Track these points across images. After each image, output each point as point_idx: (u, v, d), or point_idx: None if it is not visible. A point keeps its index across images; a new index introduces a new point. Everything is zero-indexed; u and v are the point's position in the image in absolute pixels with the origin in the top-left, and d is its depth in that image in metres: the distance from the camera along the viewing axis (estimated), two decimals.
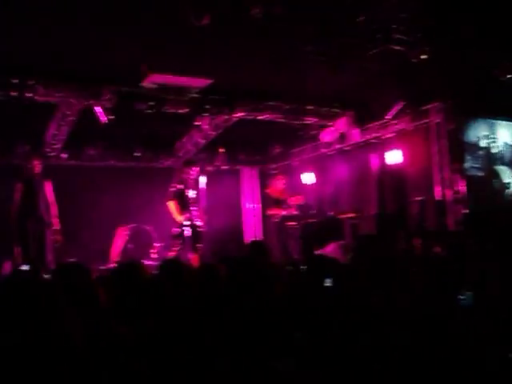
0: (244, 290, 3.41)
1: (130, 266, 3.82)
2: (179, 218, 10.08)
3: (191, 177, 10.25)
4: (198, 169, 10.41)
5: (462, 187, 10.28)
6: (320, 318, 3.64)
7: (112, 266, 10.56)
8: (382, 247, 6.71)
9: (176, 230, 10.08)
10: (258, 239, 9.17)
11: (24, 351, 1.49)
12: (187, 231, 9.98)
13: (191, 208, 10.17)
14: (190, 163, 10.64)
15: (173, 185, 10.31)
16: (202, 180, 10.11)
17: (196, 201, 10.27)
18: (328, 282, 4.84)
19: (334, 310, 4.01)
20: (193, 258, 9.86)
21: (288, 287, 4.54)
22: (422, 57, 7.49)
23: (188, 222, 10.04)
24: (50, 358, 1.51)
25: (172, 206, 10.16)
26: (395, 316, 3.90)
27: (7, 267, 8.93)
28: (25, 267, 8.36)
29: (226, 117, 11.15)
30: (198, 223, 10.21)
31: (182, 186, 10.24)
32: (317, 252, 9.74)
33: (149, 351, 2.55)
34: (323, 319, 3.68)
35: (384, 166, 11.86)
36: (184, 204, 10.17)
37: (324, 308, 3.98)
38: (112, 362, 2.12)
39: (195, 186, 10.30)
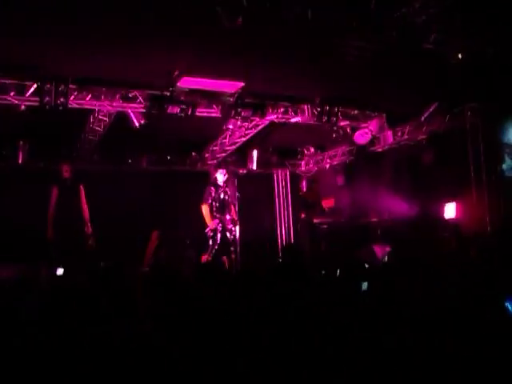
0: (285, 299, 3.33)
1: (167, 271, 3.78)
2: (210, 222, 10.09)
3: (221, 180, 10.27)
4: (226, 171, 10.41)
5: (499, 189, 10.08)
6: (362, 324, 3.56)
7: (146, 270, 10.56)
8: (420, 250, 6.56)
9: (209, 234, 10.08)
10: (291, 243, 9.09)
11: (66, 357, 1.45)
12: (220, 235, 9.98)
13: (222, 212, 10.17)
14: (218, 166, 10.65)
15: (206, 189, 10.33)
16: (231, 183, 10.14)
17: (227, 204, 10.27)
18: (364, 286, 4.75)
19: (373, 315, 3.92)
20: (226, 262, 9.85)
21: (324, 293, 4.45)
22: (459, 56, 7.32)
23: (220, 227, 10.04)
24: (93, 363, 1.48)
25: (204, 210, 10.18)
26: (436, 322, 3.80)
27: (44, 271, 8.98)
28: (59, 271, 8.38)
29: (258, 120, 11.09)
30: (231, 227, 10.20)
31: (213, 190, 10.25)
32: (352, 255, 9.63)
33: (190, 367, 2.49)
34: (366, 325, 3.60)
35: (417, 168, 11.70)
36: (216, 208, 10.18)
37: (363, 314, 3.89)
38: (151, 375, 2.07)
39: (226, 189, 10.30)
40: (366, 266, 5.46)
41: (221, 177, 10.40)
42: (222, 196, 10.25)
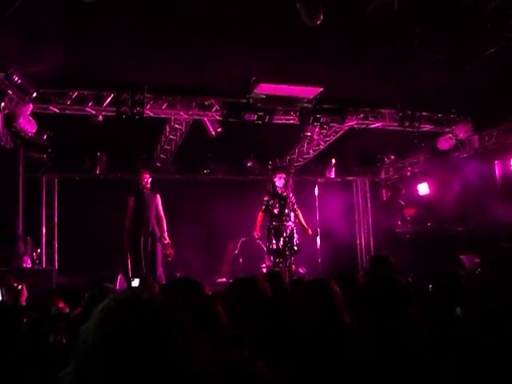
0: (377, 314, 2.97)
1: (249, 282, 3.51)
2: (256, 230, 9.92)
3: (280, 185, 9.96)
4: (285, 176, 10.08)
5: None
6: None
7: (223, 280, 10.38)
8: None
9: (272, 244, 9.85)
10: (381, 253, 8.68)
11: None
12: (276, 243, 9.74)
13: (281, 220, 9.88)
14: (276, 171, 10.39)
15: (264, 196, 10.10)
16: (287, 187, 9.87)
17: (288, 210, 9.94)
18: (458, 312, 4.29)
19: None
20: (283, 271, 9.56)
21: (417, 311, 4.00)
22: None
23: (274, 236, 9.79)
24: None
25: (259, 218, 9.99)
26: None
27: (121, 281, 8.94)
28: (135, 282, 8.29)
29: (337, 126, 10.76)
30: (289, 234, 9.86)
31: (267, 198, 10.00)
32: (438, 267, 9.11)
33: None
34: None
35: (507, 174, 11.06)
36: (274, 215, 9.91)
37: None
38: None
39: (285, 194, 9.99)
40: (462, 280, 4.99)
41: (280, 182, 10.08)
42: (276, 202, 9.96)
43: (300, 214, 10.13)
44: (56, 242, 12.14)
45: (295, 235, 9.92)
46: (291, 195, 10.12)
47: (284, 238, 9.78)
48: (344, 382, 2.64)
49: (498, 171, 11.39)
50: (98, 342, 1.19)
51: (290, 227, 9.92)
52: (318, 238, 9.95)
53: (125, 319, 1.19)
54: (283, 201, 9.98)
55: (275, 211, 9.95)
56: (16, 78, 7.80)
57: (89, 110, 9.16)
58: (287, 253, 9.80)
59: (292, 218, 10.00)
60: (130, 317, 1.19)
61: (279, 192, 10.01)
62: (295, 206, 10.10)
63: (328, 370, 2.71)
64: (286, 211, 9.95)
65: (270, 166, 13.09)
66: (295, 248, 9.86)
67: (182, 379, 1.15)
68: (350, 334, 3.08)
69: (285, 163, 13.30)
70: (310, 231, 10.04)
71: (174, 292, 3.05)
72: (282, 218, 9.90)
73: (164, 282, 7.93)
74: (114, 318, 1.20)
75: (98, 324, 1.21)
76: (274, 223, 9.92)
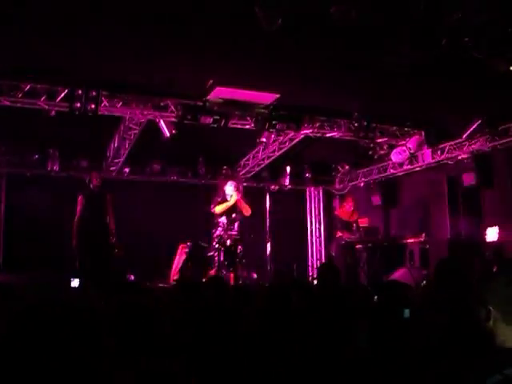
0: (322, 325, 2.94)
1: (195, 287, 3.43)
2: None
3: (230, 193, 10.00)
4: (235, 184, 10.12)
5: None
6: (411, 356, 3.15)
7: (171, 284, 10.26)
8: (463, 274, 6.06)
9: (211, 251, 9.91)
10: (328, 261, 8.68)
11: None
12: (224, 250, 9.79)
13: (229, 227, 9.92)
14: (227, 178, 10.40)
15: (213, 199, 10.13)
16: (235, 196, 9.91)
17: (234, 219, 10.00)
18: (406, 314, 4.33)
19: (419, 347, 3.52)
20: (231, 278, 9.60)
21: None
22: (511, 68, 6.85)
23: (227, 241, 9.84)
24: None
25: (218, 208, 10.00)
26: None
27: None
28: (75, 282, 8.12)
29: (293, 133, 10.75)
30: (236, 244, 9.90)
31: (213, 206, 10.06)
32: (387, 277, 9.21)
33: None
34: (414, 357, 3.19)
35: (457, 188, 11.22)
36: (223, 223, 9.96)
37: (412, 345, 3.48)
38: None
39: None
40: (408, 290, 5.03)
41: (230, 189, 10.12)
42: (228, 211, 10.01)
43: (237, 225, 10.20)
44: (1, 239, 11.81)
45: (239, 246, 9.95)
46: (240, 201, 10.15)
47: (226, 246, 9.82)
48: None
49: (447, 187, 11.58)
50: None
51: (233, 236, 9.96)
52: (269, 245, 9.97)
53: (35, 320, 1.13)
54: (230, 209, 10.03)
55: (222, 219, 10.00)
56: None
57: (41, 104, 8.92)
58: (229, 261, 9.85)
59: (236, 228, 10.04)
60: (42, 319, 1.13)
61: (228, 200, 10.05)
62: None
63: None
64: (232, 219, 10.00)
65: (223, 171, 13.04)
66: (238, 258, 9.89)
67: None
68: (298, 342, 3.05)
69: (235, 170, 13.27)
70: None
71: (117, 295, 2.97)
72: (227, 226, 9.95)
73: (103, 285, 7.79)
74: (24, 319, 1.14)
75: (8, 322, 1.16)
76: (218, 230, 9.98)
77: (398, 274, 9.50)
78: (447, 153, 11.48)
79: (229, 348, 2.89)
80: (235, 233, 10.00)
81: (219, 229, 10.00)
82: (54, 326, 1.17)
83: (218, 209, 10.16)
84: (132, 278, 10.39)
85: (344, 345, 2.96)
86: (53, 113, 9.05)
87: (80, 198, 9.91)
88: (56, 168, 11.65)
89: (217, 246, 9.90)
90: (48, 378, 1.12)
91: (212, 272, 9.94)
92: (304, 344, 2.99)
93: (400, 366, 3.34)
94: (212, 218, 10.42)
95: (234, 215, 10.05)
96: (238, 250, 9.94)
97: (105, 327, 1.16)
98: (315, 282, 7.95)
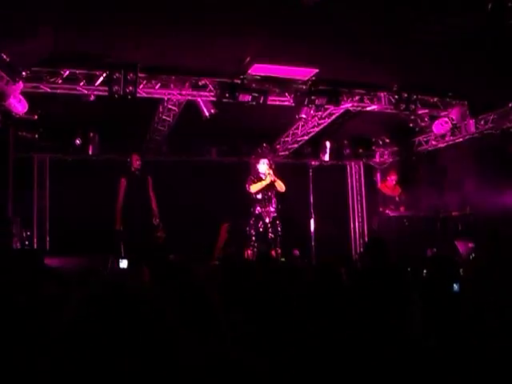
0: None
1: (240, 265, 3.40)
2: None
3: (263, 170, 9.91)
4: (267, 162, 10.03)
5: None
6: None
7: (215, 263, 10.29)
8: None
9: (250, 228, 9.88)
10: (376, 237, 8.60)
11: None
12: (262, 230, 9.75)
13: (265, 205, 9.86)
14: (260, 156, 10.31)
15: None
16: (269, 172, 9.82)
17: (270, 195, 9.94)
18: (456, 288, 4.26)
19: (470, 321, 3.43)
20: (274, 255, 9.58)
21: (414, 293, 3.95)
22: None
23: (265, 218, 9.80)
24: None
25: (253, 187, 9.95)
26: None
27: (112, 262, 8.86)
28: (123, 263, 8.18)
29: (332, 108, 10.62)
30: (274, 221, 9.86)
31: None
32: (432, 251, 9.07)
33: None
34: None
35: (504, 159, 10.94)
36: (258, 200, 9.91)
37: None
38: None
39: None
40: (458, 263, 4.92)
41: (263, 167, 10.03)
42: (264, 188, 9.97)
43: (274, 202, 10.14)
44: (47, 224, 12.00)
45: (277, 222, 9.91)
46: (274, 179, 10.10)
47: (266, 223, 9.79)
48: (343, 370, 2.55)
49: (492, 157, 11.30)
50: (76, 324, 1.11)
51: (271, 213, 9.91)
52: (312, 221, 9.91)
53: (104, 306, 1.11)
54: (265, 187, 9.98)
55: (258, 196, 9.94)
56: (4, 57, 7.63)
57: (80, 89, 8.98)
58: (270, 238, 9.83)
59: (274, 204, 9.99)
60: (110, 305, 1.11)
61: (262, 178, 9.98)
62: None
63: (325, 358, 2.62)
64: (268, 197, 9.95)
65: (263, 148, 12.99)
66: (279, 233, 9.86)
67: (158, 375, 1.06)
68: (349, 321, 3.00)
69: (274, 147, 13.20)
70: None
71: (166, 278, 2.96)
72: (264, 203, 9.90)
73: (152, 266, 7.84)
74: (92, 305, 1.12)
75: (78, 307, 1.14)
76: (257, 208, 9.94)
77: (445, 248, 9.36)
78: (491, 123, 11.20)
79: (281, 324, 2.86)
80: (273, 209, 9.97)
81: (258, 207, 9.97)
82: (121, 312, 1.14)
83: (254, 188, 10.13)
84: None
85: (398, 319, 2.90)
86: (92, 97, 9.10)
87: (122, 180, 9.98)
88: (97, 152, 11.76)
89: (257, 223, 9.88)
90: (118, 367, 1.10)
91: (250, 251, 9.93)
92: (358, 319, 2.95)
93: (451, 341, 3.27)
94: (250, 197, 10.38)
95: (269, 193, 10.01)
96: (278, 227, 9.91)
97: (167, 309, 1.14)
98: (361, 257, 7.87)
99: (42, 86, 8.78)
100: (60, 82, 8.77)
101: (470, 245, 9.36)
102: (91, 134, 11.69)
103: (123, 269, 7.79)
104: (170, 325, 1.19)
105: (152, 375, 1.12)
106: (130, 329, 1.13)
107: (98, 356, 1.13)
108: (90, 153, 11.72)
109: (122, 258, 8.39)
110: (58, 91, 8.91)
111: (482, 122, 11.41)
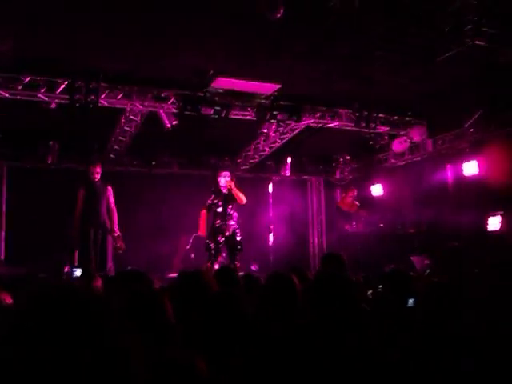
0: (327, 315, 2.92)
1: (196, 276, 3.41)
2: (200, 229, 9.86)
3: (223, 184, 9.84)
4: (228, 174, 9.96)
5: None
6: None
7: (174, 275, 10.25)
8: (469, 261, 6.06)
9: (209, 242, 9.79)
10: (333, 252, 8.62)
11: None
12: (221, 243, 9.70)
13: (225, 219, 9.81)
14: (221, 169, 10.24)
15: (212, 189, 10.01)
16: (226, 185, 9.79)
17: (231, 209, 9.89)
18: (411, 303, 4.34)
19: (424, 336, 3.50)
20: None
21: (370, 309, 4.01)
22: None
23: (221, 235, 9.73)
24: None
25: (202, 216, 9.92)
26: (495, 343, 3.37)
27: (67, 271, 8.76)
28: (77, 271, 8.09)
29: (294, 124, 10.72)
30: (234, 235, 9.82)
31: (212, 196, 9.90)
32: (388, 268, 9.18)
33: None
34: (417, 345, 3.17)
35: (460, 178, 11.18)
36: (218, 214, 9.84)
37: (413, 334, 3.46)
38: None
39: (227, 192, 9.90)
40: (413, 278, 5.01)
41: (223, 181, 9.93)
42: (224, 201, 9.87)
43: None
44: (3, 232, 11.80)
45: (237, 235, 9.85)
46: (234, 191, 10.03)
47: (226, 236, 9.74)
48: (293, 376, 2.57)
49: (450, 175, 11.53)
50: (21, 325, 1.12)
51: (232, 227, 9.86)
52: (271, 236, 9.93)
53: (50, 307, 1.12)
54: (226, 200, 9.89)
55: (218, 210, 9.87)
56: None
57: (41, 96, 8.89)
58: (228, 251, 9.81)
59: (234, 218, 9.94)
60: (56, 305, 1.12)
61: (223, 191, 9.90)
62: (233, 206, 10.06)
63: (280, 364, 2.64)
64: (229, 210, 9.88)
65: (225, 162, 13.01)
66: (238, 247, 9.80)
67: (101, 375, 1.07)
68: (304, 328, 3.02)
69: (236, 161, 13.24)
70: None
71: (120, 285, 2.95)
72: (225, 217, 9.83)
73: (111, 275, 7.78)
74: (38, 306, 1.13)
75: (26, 308, 1.15)
76: (217, 221, 9.85)
77: (402, 264, 9.48)
78: (448, 142, 11.45)
79: (233, 327, 2.88)
80: (233, 223, 9.91)
81: (218, 220, 9.90)
82: (66, 311, 1.15)
83: (203, 216, 10.08)
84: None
85: (347, 331, 2.94)
86: (53, 105, 9.02)
87: (80, 190, 9.88)
88: (56, 160, 11.60)
89: (216, 236, 9.80)
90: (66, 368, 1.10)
91: (210, 264, 9.88)
92: (310, 323, 2.98)
93: (405, 356, 3.32)
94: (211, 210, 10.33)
95: (230, 206, 9.93)
96: (238, 240, 9.85)
97: (117, 314, 1.15)
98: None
99: (0, 92, 8.66)
100: (20, 88, 8.65)
101: (426, 261, 9.52)
102: (51, 143, 11.53)
103: (77, 277, 7.71)
104: (115, 326, 1.20)
105: (94, 374, 1.13)
106: (73, 328, 1.14)
107: (43, 355, 1.13)
108: (50, 161, 11.53)
109: (77, 267, 8.30)
110: (18, 97, 8.80)
111: (440, 142, 11.66)
